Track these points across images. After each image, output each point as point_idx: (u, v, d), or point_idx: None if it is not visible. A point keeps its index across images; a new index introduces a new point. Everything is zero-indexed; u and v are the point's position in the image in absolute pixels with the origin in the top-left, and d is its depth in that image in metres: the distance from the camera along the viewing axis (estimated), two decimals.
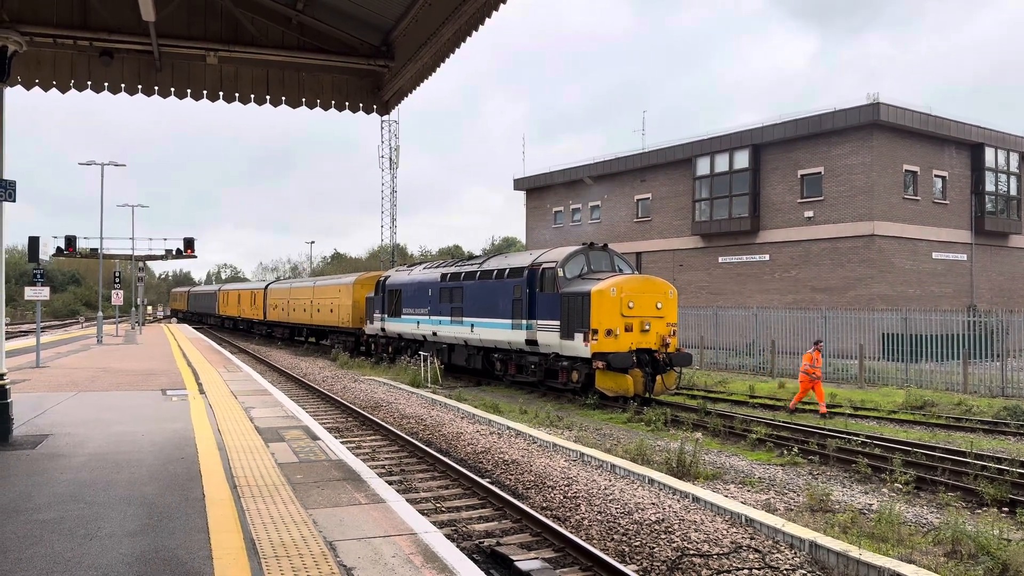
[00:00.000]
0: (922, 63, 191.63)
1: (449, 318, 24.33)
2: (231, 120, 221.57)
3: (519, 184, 51.96)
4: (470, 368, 24.17)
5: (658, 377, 18.47)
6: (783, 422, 15.50)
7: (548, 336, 19.38)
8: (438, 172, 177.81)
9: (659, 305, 18.76)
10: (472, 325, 22.83)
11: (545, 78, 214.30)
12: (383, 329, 29.59)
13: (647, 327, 18.47)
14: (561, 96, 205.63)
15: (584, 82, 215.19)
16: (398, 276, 29.21)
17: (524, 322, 20.23)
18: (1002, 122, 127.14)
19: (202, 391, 15.31)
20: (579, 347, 18.25)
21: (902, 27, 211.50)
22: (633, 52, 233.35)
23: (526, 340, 20.16)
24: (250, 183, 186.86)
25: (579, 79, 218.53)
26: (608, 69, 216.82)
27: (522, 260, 21.60)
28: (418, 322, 26.49)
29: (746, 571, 7.31)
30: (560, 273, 19.39)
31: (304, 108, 10.26)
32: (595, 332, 17.91)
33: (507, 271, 21.57)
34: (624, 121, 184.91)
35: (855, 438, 13.34)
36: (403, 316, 27.69)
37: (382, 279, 30.24)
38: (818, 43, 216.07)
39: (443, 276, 25.25)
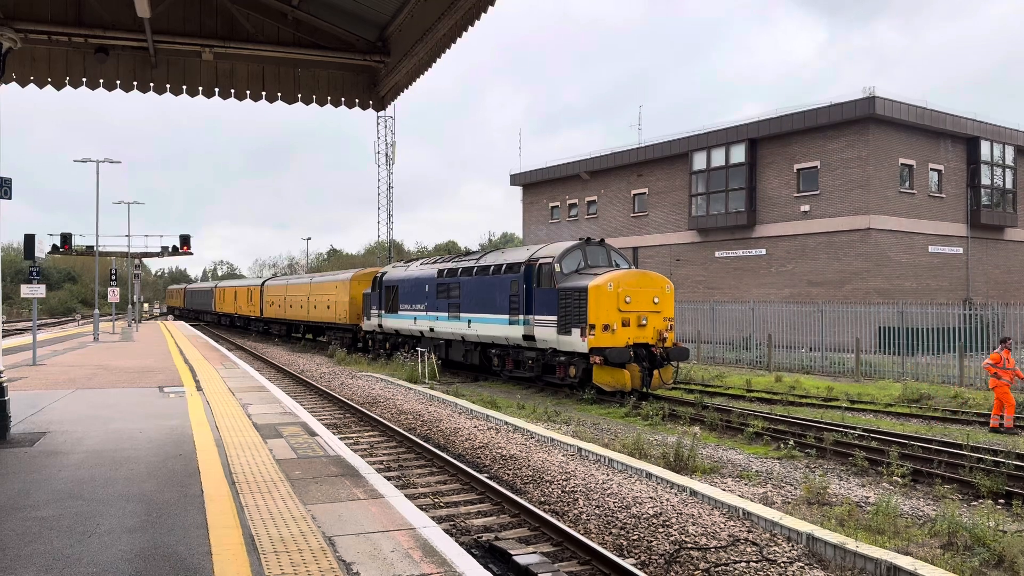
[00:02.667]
0: (933, 52, 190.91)
1: (446, 314, 24.33)
2: (229, 115, 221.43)
3: (515, 180, 51.95)
4: (467, 364, 24.18)
5: (655, 372, 18.49)
6: (780, 416, 15.54)
7: (545, 331, 19.40)
8: (438, 166, 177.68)
9: (656, 300, 18.79)
10: (469, 321, 22.85)
11: (548, 70, 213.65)
12: (380, 325, 29.59)
13: (644, 322, 18.49)
14: (564, 88, 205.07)
15: (588, 74, 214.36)
16: (395, 272, 29.19)
17: (521, 317, 20.24)
18: (1008, 113, 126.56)
19: (199, 388, 15.31)
20: (576, 342, 18.27)
21: (912, 16, 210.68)
22: (641, 42, 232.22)
23: (523, 335, 20.18)
24: (248, 179, 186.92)
25: (583, 70, 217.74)
26: (614, 60, 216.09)
27: (519, 256, 21.60)
28: (415, 318, 26.49)
29: (744, 564, 7.34)
30: (557, 268, 19.40)
31: (300, 104, 10.25)
32: (592, 327, 17.93)
33: (504, 267, 21.57)
34: (628, 114, 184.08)
35: (852, 431, 13.37)
36: (400, 312, 27.69)
37: (379, 275, 30.22)
38: (827, 33, 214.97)
39: (440, 272, 25.24)
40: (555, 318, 18.99)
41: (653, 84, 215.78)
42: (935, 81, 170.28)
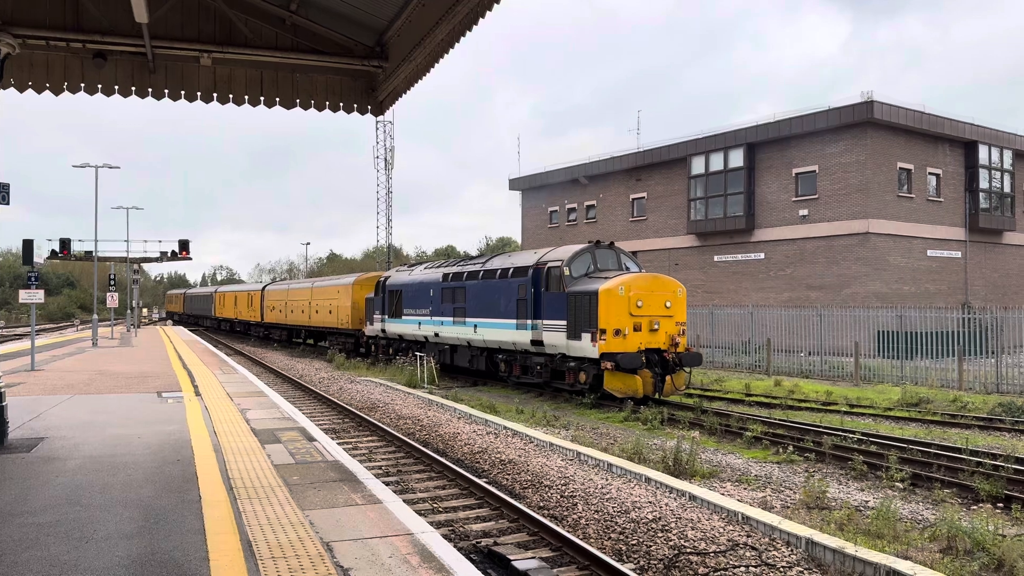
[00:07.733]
0: (960, 48, 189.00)
1: (451, 319, 24.14)
2: (229, 118, 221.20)
3: (514, 184, 51.96)
4: (473, 369, 23.97)
5: (668, 377, 18.19)
6: (779, 420, 15.52)
7: (554, 336, 19.14)
8: (441, 169, 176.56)
9: (668, 304, 18.53)
10: (475, 326, 22.65)
11: (558, 67, 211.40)
12: (383, 330, 29.45)
13: (656, 326, 18.22)
14: (574, 87, 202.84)
15: (600, 71, 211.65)
16: (399, 276, 29.00)
17: (529, 322, 19.96)
18: None
19: (198, 393, 15.29)
20: (587, 347, 18.01)
21: (938, 9, 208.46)
22: (657, 37, 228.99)
23: (531, 341, 19.89)
24: (248, 183, 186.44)
25: (594, 67, 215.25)
26: (628, 56, 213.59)
27: (527, 259, 21.26)
28: (419, 323, 26.34)
29: (743, 568, 7.32)
30: (566, 272, 19.11)
31: (298, 109, 10.25)
32: (603, 332, 17.65)
33: (511, 270, 21.29)
34: (641, 112, 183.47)
35: (851, 435, 13.36)
36: (404, 317, 27.54)
37: (382, 279, 30.02)
38: (851, 26, 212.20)
39: (445, 276, 25.02)
40: (564, 323, 18.72)
41: (669, 81, 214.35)
42: (961, 77, 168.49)
